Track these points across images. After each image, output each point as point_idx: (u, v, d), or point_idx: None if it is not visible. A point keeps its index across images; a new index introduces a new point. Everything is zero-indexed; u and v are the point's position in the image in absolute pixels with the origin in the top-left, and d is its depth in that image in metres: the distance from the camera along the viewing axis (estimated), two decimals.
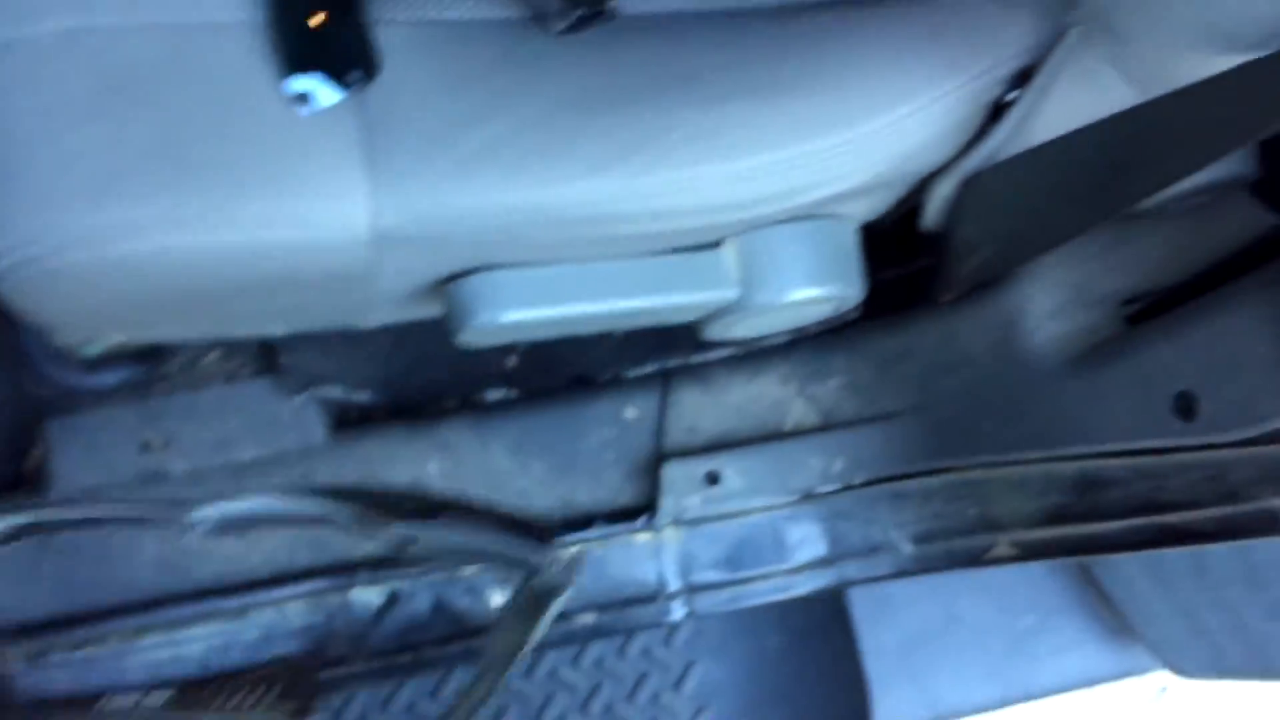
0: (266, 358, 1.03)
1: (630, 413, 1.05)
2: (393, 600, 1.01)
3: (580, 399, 1.06)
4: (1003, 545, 0.98)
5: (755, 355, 1.06)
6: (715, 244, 0.82)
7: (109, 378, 1.03)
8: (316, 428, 1.02)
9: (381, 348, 1.08)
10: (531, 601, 0.88)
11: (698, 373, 1.06)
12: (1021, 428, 0.91)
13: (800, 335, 1.05)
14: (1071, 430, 0.87)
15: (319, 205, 0.68)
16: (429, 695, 1.18)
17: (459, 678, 1.19)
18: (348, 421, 1.06)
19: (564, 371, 1.12)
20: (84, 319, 0.75)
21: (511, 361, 1.13)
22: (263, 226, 0.67)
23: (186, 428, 1.01)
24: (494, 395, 1.09)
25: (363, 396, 1.06)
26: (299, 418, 1.02)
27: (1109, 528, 0.91)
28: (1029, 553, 0.97)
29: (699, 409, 1.05)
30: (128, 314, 0.73)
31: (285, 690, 0.96)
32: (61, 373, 1.03)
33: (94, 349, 0.99)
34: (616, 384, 1.07)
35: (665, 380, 1.06)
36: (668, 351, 1.07)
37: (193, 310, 0.75)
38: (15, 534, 0.76)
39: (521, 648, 0.85)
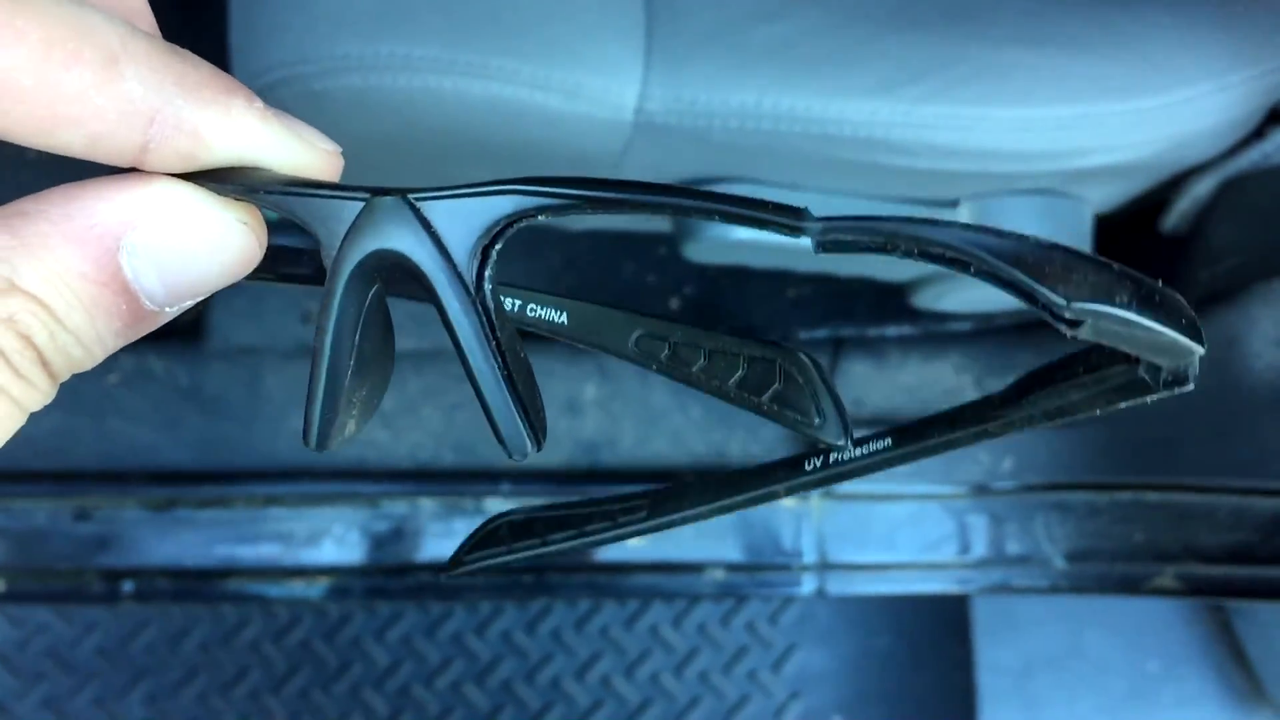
0: None
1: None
2: None
3: None
4: (1166, 577, 0.94)
5: (934, 338, 1.02)
6: (953, 203, 0.79)
7: (286, 241, 1.00)
8: None
9: (553, 265, 1.06)
10: None
11: (871, 346, 1.02)
12: (1225, 454, 0.87)
13: (986, 326, 1.01)
14: None
15: (592, 79, 0.66)
16: (524, 628, 1.15)
17: (558, 616, 1.16)
18: None
19: (729, 323, 1.10)
20: None
21: (675, 305, 1.11)
22: (536, 88, 0.64)
23: None
24: None
25: None
26: None
27: None
28: (1194, 589, 0.93)
29: (868, 382, 1.01)
30: (369, 153, 0.71)
31: None
32: None
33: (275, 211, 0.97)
34: (784, 343, 1.03)
35: (836, 347, 1.02)
36: (842, 319, 1.04)
37: (430, 163, 0.72)
38: None
39: None
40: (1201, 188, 0.79)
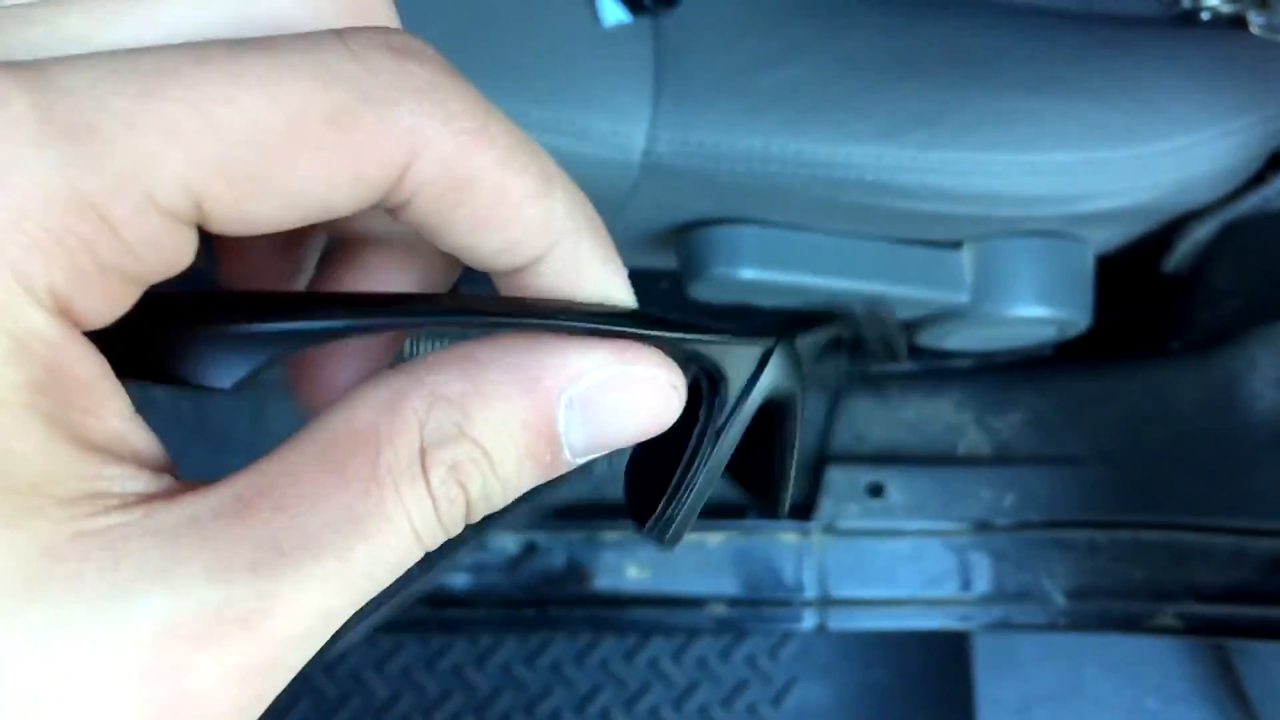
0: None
1: None
2: (529, 550, 0.98)
3: None
4: (1166, 615, 0.94)
5: (935, 374, 1.02)
6: (956, 245, 0.80)
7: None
8: None
9: None
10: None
11: (873, 381, 1.03)
12: (1225, 494, 0.87)
13: (986, 364, 1.02)
14: None
15: (601, 122, 0.66)
16: (524, 661, 1.15)
17: (558, 648, 1.16)
18: None
19: None
20: None
21: None
22: (545, 130, 0.65)
23: None
24: None
25: None
26: None
27: None
28: (1193, 627, 0.93)
29: (869, 418, 1.02)
30: None
31: None
32: None
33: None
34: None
35: (838, 383, 1.03)
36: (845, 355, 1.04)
37: None
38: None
39: None
40: (1203, 231, 0.79)
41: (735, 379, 0.25)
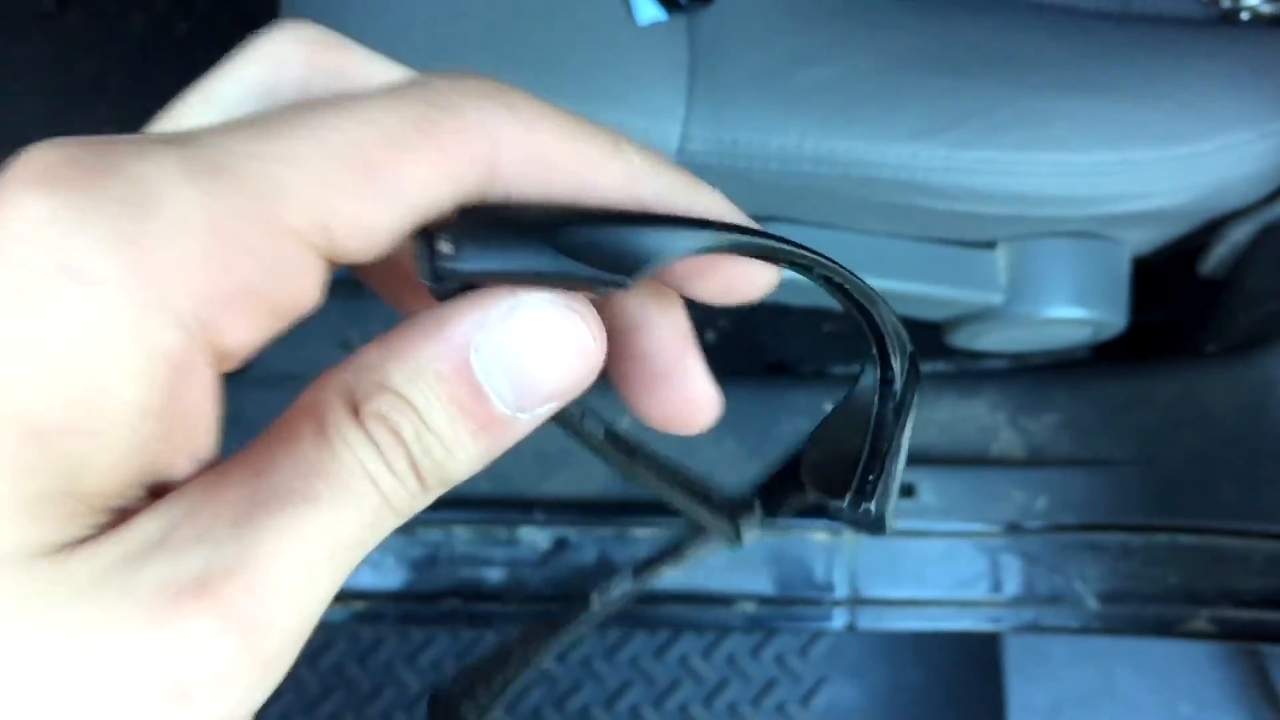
0: None
1: (829, 408, 1.02)
2: (560, 546, 0.98)
3: (781, 385, 1.03)
4: (1200, 620, 0.93)
5: (968, 375, 1.02)
6: (990, 245, 0.80)
7: None
8: None
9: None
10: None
11: None
12: (1261, 498, 0.86)
13: (1020, 365, 1.02)
14: None
15: (635, 120, 0.67)
16: (555, 656, 1.15)
17: (588, 644, 1.16)
18: None
19: (760, 357, 1.10)
20: None
21: (710, 337, 1.11)
22: None
23: None
24: None
25: None
26: None
27: None
28: (1228, 632, 0.92)
29: None
30: None
31: None
32: None
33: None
34: (819, 378, 1.04)
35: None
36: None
37: None
38: None
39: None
40: (1240, 233, 0.79)
41: (903, 359, 0.26)
